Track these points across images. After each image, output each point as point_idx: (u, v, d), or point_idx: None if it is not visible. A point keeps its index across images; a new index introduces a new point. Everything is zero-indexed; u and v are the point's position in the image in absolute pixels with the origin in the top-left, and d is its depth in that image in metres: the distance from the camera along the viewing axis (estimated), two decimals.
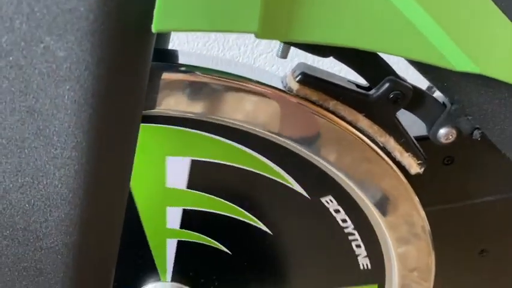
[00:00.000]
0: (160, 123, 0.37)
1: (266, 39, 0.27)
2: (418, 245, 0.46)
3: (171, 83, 0.36)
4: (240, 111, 0.37)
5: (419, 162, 0.41)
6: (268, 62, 0.81)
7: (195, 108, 0.37)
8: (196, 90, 0.36)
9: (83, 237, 0.32)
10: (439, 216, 0.51)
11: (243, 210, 0.43)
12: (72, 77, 0.25)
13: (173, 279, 0.45)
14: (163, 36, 0.46)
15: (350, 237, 0.45)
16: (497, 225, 0.55)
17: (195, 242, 0.43)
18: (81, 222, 0.31)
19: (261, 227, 0.44)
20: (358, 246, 0.46)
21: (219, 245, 0.44)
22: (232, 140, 0.39)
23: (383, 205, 0.44)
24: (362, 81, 0.41)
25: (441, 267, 0.50)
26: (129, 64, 0.27)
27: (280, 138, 0.39)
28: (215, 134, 0.39)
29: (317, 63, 0.40)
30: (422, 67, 0.37)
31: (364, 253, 0.46)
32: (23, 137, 0.27)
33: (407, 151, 0.40)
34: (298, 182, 0.42)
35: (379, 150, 0.40)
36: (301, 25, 0.28)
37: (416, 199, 0.44)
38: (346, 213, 0.44)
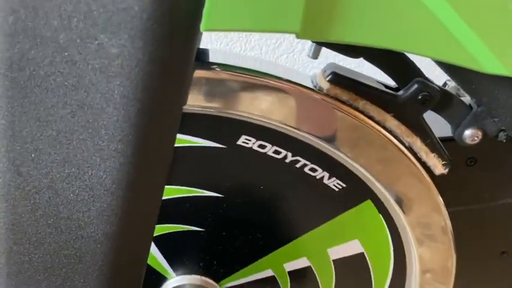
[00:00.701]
0: None
1: (305, 40, 0.28)
2: (441, 245, 0.47)
3: (212, 81, 0.37)
4: (271, 109, 0.39)
5: (444, 163, 0.42)
6: (290, 62, 0.82)
7: (234, 107, 0.38)
8: (235, 89, 0.37)
9: (122, 228, 0.33)
10: (460, 217, 0.52)
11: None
12: (123, 73, 0.26)
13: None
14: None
15: None
16: None
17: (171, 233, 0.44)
18: (122, 213, 0.32)
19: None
20: None
21: (191, 227, 0.44)
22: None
23: (406, 204, 0.44)
24: (389, 82, 0.42)
25: (462, 268, 0.51)
26: (176, 62, 0.28)
27: (312, 138, 0.40)
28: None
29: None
30: (450, 69, 0.38)
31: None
32: (72, 129, 0.29)
33: (432, 152, 0.41)
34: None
35: (406, 150, 0.41)
36: (338, 26, 0.29)
37: (440, 199, 0.44)
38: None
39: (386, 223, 0.45)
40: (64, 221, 0.33)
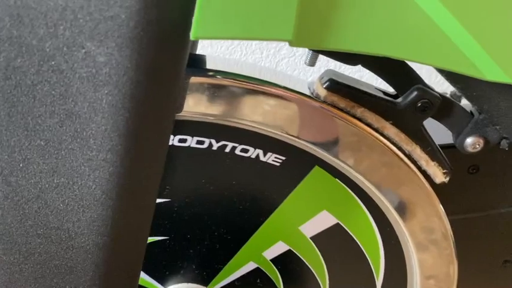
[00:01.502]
0: None
1: (299, 47, 0.27)
2: (440, 252, 0.46)
3: (198, 87, 0.36)
4: (264, 117, 0.38)
5: (444, 171, 0.41)
6: (291, 66, 0.82)
7: (219, 113, 0.37)
8: (222, 95, 0.37)
9: (113, 238, 0.33)
10: (462, 225, 0.51)
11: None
12: (111, 82, 0.26)
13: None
14: (193, 42, 0.46)
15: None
16: None
17: None
18: (112, 223, 0.32)
19: None
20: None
21: (155, 237, 0.44)
22: None
23: (405, 212, 0.44)
24: (388, 89, 0.41)
25: (464, 276, 0.50)
26: (166, 70, 0.27)
27: (305, 143, 0.39)
28: None
29: (339, 70, 0.41)
30: (451, 76, 0.37)
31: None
32: (61, 139, 0.28)
33: (432, 160, 0.40)
34: None
35: (405, 158, 0.40)
36: (333, 34, 0.29)
37: (440, 207, 0.44)
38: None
39: (348, 186, 0.43)
40: (54, 231, 0.32)
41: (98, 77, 0.26)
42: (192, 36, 0.25)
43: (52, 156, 0.29)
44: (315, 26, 0.28)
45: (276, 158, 0.41)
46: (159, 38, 0.25)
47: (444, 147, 0.45)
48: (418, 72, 0.39)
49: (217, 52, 0.80)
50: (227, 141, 0.40)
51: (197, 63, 0.39)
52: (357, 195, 0.44)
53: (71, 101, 0.27)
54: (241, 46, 0.81)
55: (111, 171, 0.29)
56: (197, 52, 0.58)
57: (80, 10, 0.24)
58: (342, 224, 0.45)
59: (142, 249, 0.37)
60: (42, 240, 0.32)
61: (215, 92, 0.37)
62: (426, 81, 0.40)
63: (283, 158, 0.41)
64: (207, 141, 0.40)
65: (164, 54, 0.26)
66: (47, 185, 0.30)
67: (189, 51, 0.28)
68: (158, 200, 0.42)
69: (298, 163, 0.42)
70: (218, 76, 0.37)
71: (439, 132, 0.43)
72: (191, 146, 0.40)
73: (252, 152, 0.41)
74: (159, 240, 0.44)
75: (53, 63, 0.25)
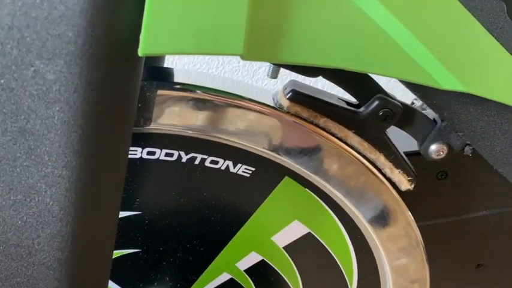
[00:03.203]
0: None
1: (252, 61, 0.27)
2: (411, 258, 0.47)
3: (165, 100, 0.37)
4: (231, 128, 0.38)
5: (409, 178, 0.41)
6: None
7: (187, 126, 0.37)
8: (188, 107, 0.37)
9: (75, 253, 0.33)
10: (434, 230, 0.51)
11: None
12: (62, 99, 0.26)
13: None
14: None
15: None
16: (493, 240, 0.55)
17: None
18: (73, 238, 0.32)
19: None
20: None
21: (127, 250, 0.44)
22: None
23: (374, 219, 0.44)
24: (353, 99, 0.41)
25: (438, 281, 0.50)
26: (118, 85, 0.27)
27: (273, 154, 0.40)
28: None
29: (310, 79, 0.41)
30: (411, 85, 0.38)
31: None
32: (15, 156, 0.28)
33: (397, 168, 0.41)
34: None
35: (370, 166, 0.41)
36: (287, 47, 0.29)
37: (409, 213, 0.44)
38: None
39: (318, 196, 0.44)
40: (14, 249, 0.32)
41: (49, 94, 0.26)
42: (140, 53, 0.25)
43: (7, 173, 0.29)
44: (266, 40, 0.28)
45: (246, 169, 0.41)
46: (108, 54, 0.26)
47: (412, 154, 0.45)
48: (383, 80, 0.40)
49: (193, 61, 0.80)
50: (196, 153, 0.40)
51: (164, 76, 0.40)
52: (326, 204, 0.44)
53: (23, 119, 0.27)
54: (217, 55, 0.81)
55: (68, 187, 0.29)
56: (171, 62, 0.58)
57: (26, 29, 0.24)
58: (313, 233, 0.46)
59: (108, 263, 0.37)
60: (2, 257, 0.32)
61: (182, 104, 0.37)
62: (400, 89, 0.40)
63: (253, 169, 0.41)
64: (176, 153, 0.40)
65: (115, 70, 0.27)
66: (3, 203, 0.30)
67: (142, 66, 0.29)
68: (129, 213, 0.42)
69: (268, 174, 0.42)
70: (185, 89, 0.37)
71: (409, 139, 0.44)
72: (160, 158, 0.40)
73: (222, 164, 0.41)
74: (131, 253, 0.44)
75: (2, 81, 0.25)
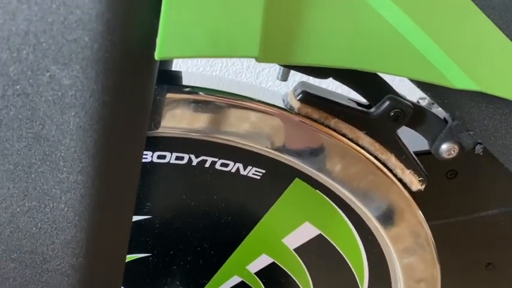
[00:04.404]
0: None
1: (266, 63, 0.27)
2: (422, 257, 0.46)
3: (174, 104, 0.36)
4: (241, 130, 0.38)
5: (420, 179, 0.41)
6: (271, 76, 0.82)
7: (197, 128, 0.37)
8: (198, 110, 0.37)
9: (89, 259, 0.33)
10: (444, 229, 0.51)
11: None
12: (78, 104, 0.26)
13: None
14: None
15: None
16: (503, 239, 0.55)
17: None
18: (87, 244, 0.32)
19: None
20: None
21: (137, 255, 0.44)
22: None
23: (385, 220, 0.44)
24: (363, 99, 0.41)
25: (448, 280, 0.50)
26: (133, 90, 0.27)
27: (283, 155, 0.39)
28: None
29: (318, 80, 0.41)
30: (422, 85, 0.38)
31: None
32: (30, 163, 0.28)
33: (408, 168, 0.41)
34: None
35: (381, 167, 0.41)
36: (299, 49, 0.29)
37: (419, 213, 0.44)
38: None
39: (328, 197, 0.43)
40: (28, 255, 0.32)
41: (64, 99, 0.26)
42: (156, 56, 0.25)
43: (22, 180, 0.29)
44: (281, 41, 0.28)
45: (256, 171, 0.41)
46: (124, 59, 0.25)
47: (421, 153, 0.45)
48: (393, 80, 0.40)
49: (197, 64, 0.80)
50: (207, 156, 0.40)
51: (173, 80, 0.39)
52: (337, 206, 0.44)
53: (38, 124, 0.27)
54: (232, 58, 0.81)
55: (83, 192, 0.29)
56: (177, 66, 0.58)
57: (42, 34, 0.24)
58: (324, 234, 0.45)
59: (121, 268, 0.37)
60: (17, 264, 0.32)
61: (192, 107, 0.37)
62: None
63: (264, 171, 0.41)
64: (186, 156, 0.40)
65: (131, 74, 0.26)
66: (18, 209, 0.30)
67: (156, 70, 0.29)
68: (139, 217, 0.42)
69: (279, 176, 0.42)
70: (194, 92, 0.37)
71: (419, 137, 0.44)
72: (171, 162, 0.40)
73: (232, 166, 0.41)
74: (141, 258, 0.44)
75: (17, 87, 0.25)
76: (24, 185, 0.29)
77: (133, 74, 0.27)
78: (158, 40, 0.25)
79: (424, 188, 0.43)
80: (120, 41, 0.25)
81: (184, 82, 0.39)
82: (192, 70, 0.79)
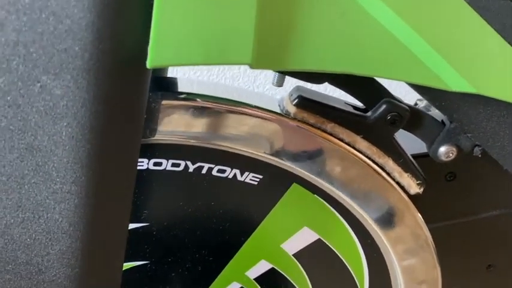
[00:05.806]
0: None
1: (260, 69, 0.27)
2: (422, 260, 0.46)
3: (169, 111, 0.36)
4: (237, 136, 0.38)
5: (418, 182, 0.41)
6: (268, 79, 0.82)
7: (193, 135, 0.37)
8: (194, 116, 0.36)
9: (85, 269, 0.32)
10: (444, 232, 0.51)
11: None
12: (69, 114, 0.26)
13: None
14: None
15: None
16: (503, 240, 0.54)
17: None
18: (83, 254, 0.31)
19: None
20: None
21: (135, 262, 0.43)
22: None
23: (384, 223, 0.44)
24: (359, 103, 0.41)
25: (449, 282, 0.50)
26: (126, 98, 0.27)
27: (280, 161, 0.39)
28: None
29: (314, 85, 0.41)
30: (419, 88, 0.37)
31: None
32: (23, 174, 0.28)
33: (406, 171, 0.40)
34: None
35: (379, 170, 0.40)
36: (294, 54, 0.29)
37: (418, 216, 0.44)
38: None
39: (327, 201, 0.43)
40: (23, 267, 0.32)
41: (56, 109, 0.25)
42: (148, 65, 0.25)
43: (15, 191, 0.28)
44: (274, 47, 0.28)
45: (253, 177, 0.41)
46: (115, 68, 0.25)
47: (420, 156, 0.45)
48: (390, 82, 0.39)
49: (194, 68, 0.80)
50: (203, 162, 0.40)
51: (168, 86, 0.39)
52: (336, 210, 0.44)
53: (30, 135, 0.26)
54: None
55: (77, 202, 0.29)
56: (173, 72, 0.57)
57: (32, 44, 0.24)
58: (323, 239, 0.45)
59: (118, 277, 0.36)
60: (12, 276, 0.32)
61: (187, 114, 0.37)
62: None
63: (261, 177, 0.41)
64: (182, 163, 0.39)
65: (123, 83, 0.26)
66: (12, 220, 0.30)
67: (149, 78, 0.28)
68: (136, 225, 0.42)
69: (276, 181, 0.41)
70: (190, 98, 0.37)
71: (417, 141, 0.44)
72: (167, 169, 0.39)
73: (229, 172, 0.40)
74: (139, 265, 0.43)
75: (8, 98, 0.25)
76: (17, 196, 0.29)
77: (125, 83, 0.26)
78: (150, 48, 0.25)
79: (423, 191, 0.43)
80: (111, 50, 0.24)
81: (179, 89, 0.39)
82: (189, 75, 0.79)
